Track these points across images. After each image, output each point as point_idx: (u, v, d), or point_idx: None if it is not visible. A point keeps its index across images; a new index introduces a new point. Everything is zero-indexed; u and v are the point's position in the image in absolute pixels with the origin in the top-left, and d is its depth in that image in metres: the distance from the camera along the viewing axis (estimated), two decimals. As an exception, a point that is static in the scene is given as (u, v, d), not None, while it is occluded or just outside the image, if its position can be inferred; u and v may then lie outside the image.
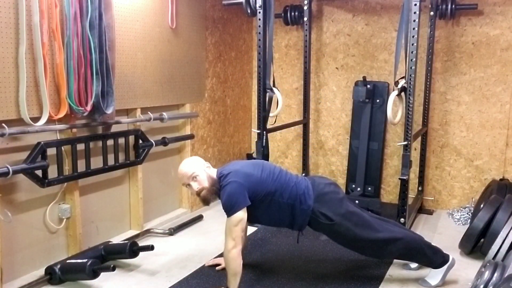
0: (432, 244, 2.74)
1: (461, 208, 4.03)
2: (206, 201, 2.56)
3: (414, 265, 2.81)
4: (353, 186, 4.30)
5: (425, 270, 2.79)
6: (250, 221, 2.57)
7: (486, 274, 2.15)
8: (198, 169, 2.52)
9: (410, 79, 3.20)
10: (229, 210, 2.40)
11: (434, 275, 2.66)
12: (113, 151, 3.20)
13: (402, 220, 3.33)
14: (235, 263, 2.39)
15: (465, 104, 4.01)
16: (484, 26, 3.87)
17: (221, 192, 2.47)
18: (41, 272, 2.73)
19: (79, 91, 2.77)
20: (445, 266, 2.65)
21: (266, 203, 2.52)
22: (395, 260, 2.95)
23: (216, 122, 4.37)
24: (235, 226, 2.38)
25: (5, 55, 2.45)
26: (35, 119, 2.58)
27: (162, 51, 3.57)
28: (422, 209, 4.15)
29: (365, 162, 4.23)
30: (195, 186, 2.52)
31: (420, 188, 4.18)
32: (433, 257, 2.65)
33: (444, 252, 2.70)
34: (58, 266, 2.66)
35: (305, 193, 2.53)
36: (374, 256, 2.83)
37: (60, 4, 2.66)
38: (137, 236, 3.37)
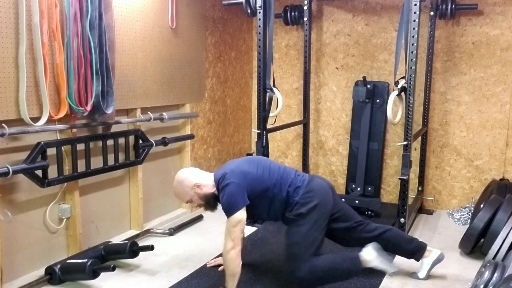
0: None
1: (461, 208, 4.03)
2: (211, 209, 2.62)
3: (422, 275, 2.75)
4: (353, 186, 4.30)
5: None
6: (252, 218, 2.57)
7: (486, 274, 2.15)
8: (190, 191, 2.54)
9: (410, 79, 3.20)
10: (228, 211, 2.40)
11: (421, 268, 2.76)
12: (113, 151, 3.20)
13: (402, 220, 3.33)
14: (233, 264, 2.39)
15: (465, 104, 4.01)
16: (484, 26, 3.87)
17: (220, 194, 2.47)
18: (41, 272, 2.74)
19: (79, 91, 2.77)
20: (431, 260, 2.73)
21: (264, 198, 2.52)
22: (395, 261, 2.94)
23: (216, 122, 4.37)
24: (234, 227, 2.38)
25: (5, 55, 2.45)
26: (35, 119, 2.58)
27: (162, 51, 3.57)
28: (422, 209, 4.15)
29: (365, 162, 4.23)
30: (196, 202, 2.59)
31: (420, 188, 4.18)
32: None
33: (425, 244, 2.76)
34: (58, 266, 2.66)
35: (298, 188, 2.53)
36: (289, 270, 2.54)
37: (60, 4, 2.66)
38: (137, 236, 3.37)
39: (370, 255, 2.56)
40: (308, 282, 2.48)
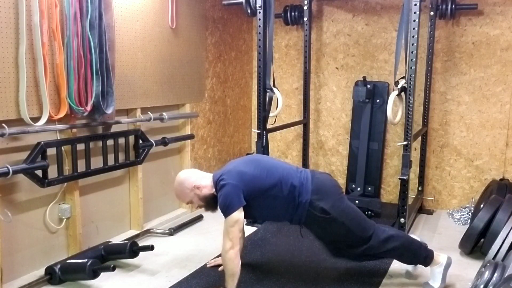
0: (417, 240, 2.73)
1: (461, 208, 4.04)
2: (211, 210, 2.63)
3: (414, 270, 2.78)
4: (353, 186, 4.30)
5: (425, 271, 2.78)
6: (252, 218, 2.57)
7: (486, 274, 2.15)
8: (190, 192, 2.55)
9: (410, 79, 3.20)
10: (225, 211, 2.41)
11: (434, 278, 2.64)
12: (113, 151, 3.20)
13: (402, 220, 3.33)
14: (232, 264, 2.39)
15: (465, 104, 4.01)
16: (484, 26, 3.87)
17: (218, 195, 2.48)
18: (41, 272, 2.74)
19: (79, 91, 2.77)
20: (442, 267, 2.63)
21: (264, 198, 2.51)
22: (395, 261, 2.94)
23: (216, 122, 4.37)
24: (232, 227, 2.38)
25: (5, 55, 2.45)
26: (35, 119, 2.59)
27: (162, 51, 3.57)
28: (422, 209, 4.15)
29: (365, 162, 4.23)
30: (197, 203, 2.60)
31: (420, 188, 4.18)
32: (418, 252, 2.65)
33: (432, 250, 2.69)
34: (58, 266, 2.66)
35: (303, 186, 2.51)
36: (360, 257, 2.72)
37: (60, 4, 2.66)
38: (137, 236, 3.37)
39: (443, 259, 2.63)
40: (380, 249, 2.59)
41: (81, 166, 2.96)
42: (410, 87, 3.21)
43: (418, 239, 2.74)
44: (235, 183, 2.42)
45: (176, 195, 2.66)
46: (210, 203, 2.57)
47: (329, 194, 2.55)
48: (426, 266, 2.67)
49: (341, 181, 4.51)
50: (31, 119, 2.55)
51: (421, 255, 2.64)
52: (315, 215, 2.52)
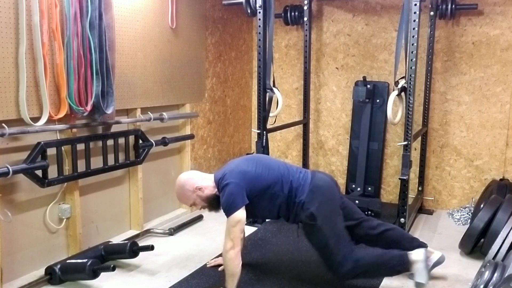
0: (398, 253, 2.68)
1: (461, 208, 4.03)
2: (215, 210, 2.63)
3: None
4: (353, 186, 4.30)
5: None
6: (252, 216, 2.56)
7: (486, 274, 2.15)
8: (192, 194, 2.54)
9: (410, 79, 3.20)
10: (227, 211, 2.41)
11: (418, 274, 2.66)
12: (113, 151, 3.20)
13: (402, 220, 3.33)
14: (233, 264, 2.39)
15: (465, 104, 4.01)
16: (484, 26, 3.87)
17: (220, 194, 2.48)
18: (41, 272, 2.74)
19: (79, 91, 2.77)
20: (431, 262, 2.67)
21: (265, 196, 2.52)
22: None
23: (216, 122, 4.37)
24: (233, 227, 2.38)
25: (5, 55, 2.45)
26: (35, 119, 2.59)
27: (162, 51, 3.57)
28: (422, 209, 4.15)
29: (365, 162, 4.23)
30: (200, 204, 2.59)
31: (420, 188, 4.18)
32: (398, 268, 2.62)
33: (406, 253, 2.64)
34: (58, 266, 2.66)
35: (301, 186, 2.53)
36: (331, 269, 2.61)
37: (60, 4, 2.66)
38: (137, 236, 3.37)
39: (419, 256, 2.58)
40: (352, 276, 2.56)
41: (81, 166, 2.96)
42: (410, 87, 3.21)
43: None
44: (238, 182, 2.43)
45: (178, 198, 2.66)
46: (213, 203, 2.57)
47: (321, 199, 2.52)
48: (408, 271, 2.66)
49: (341, 181, 4.51)
50: (31, 119, 2.55)
51: (394, 268, 2.62)
52: (303, 216, 2.51)
